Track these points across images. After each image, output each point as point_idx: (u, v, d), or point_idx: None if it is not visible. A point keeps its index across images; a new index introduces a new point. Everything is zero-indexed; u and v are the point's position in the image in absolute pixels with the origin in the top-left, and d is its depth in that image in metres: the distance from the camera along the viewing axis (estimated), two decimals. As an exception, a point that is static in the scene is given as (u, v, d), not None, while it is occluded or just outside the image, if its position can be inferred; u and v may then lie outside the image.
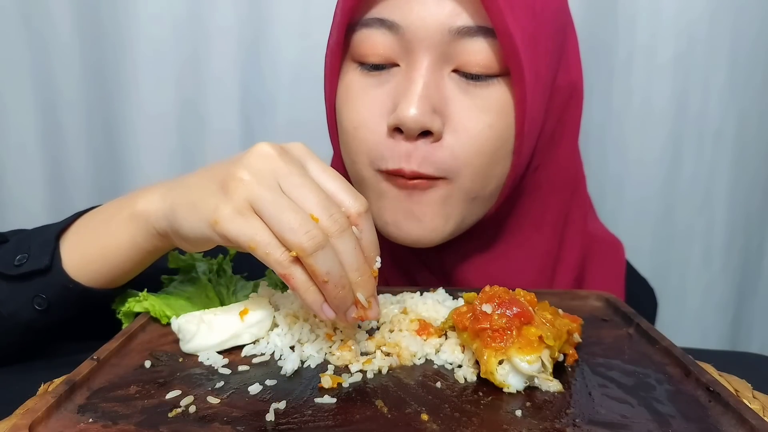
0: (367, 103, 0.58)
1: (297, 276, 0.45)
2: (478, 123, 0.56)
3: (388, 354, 0.48)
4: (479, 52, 0.54)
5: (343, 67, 0.61)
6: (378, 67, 0.58)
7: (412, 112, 0.53)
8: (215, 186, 0.46)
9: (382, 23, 0.56)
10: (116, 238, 0.53)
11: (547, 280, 0.68)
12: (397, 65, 0.57)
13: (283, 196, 0.44)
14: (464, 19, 0.54)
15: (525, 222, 0.66)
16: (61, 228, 0.56)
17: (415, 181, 0.57)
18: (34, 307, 0.54)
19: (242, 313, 0.51)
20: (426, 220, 0.58)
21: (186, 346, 0.49)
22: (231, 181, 0.45)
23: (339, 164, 0.66)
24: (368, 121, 0.58)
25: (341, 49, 0.60)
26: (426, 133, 0.56)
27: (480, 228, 0.64)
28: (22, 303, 0.54)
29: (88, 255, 0.54)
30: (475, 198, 0.59)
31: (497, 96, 0.56)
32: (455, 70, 0.56)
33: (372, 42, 0.57)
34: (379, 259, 0.49)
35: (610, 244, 0.76)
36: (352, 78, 0.59)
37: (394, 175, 0.57)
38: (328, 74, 0.62)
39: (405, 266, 0.69)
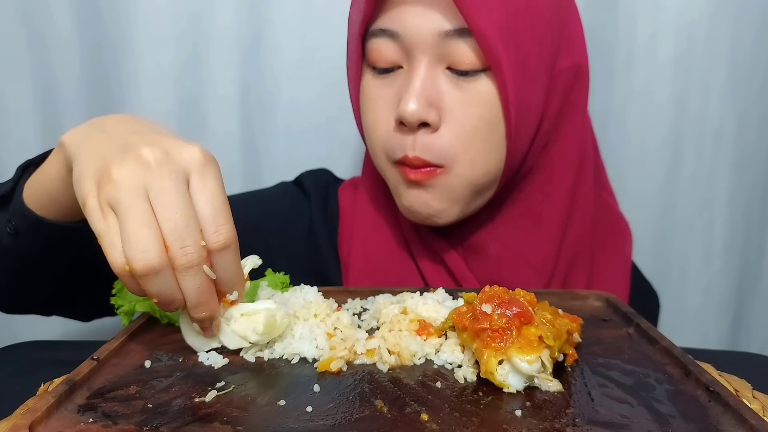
0: (380, 102, 0.66)
1: (128, 283, 0.44)
2: (468, 114, 0.62)
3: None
4: (464, 51, 0.60)
5: (363, 71, 0.68)
6: (387, 70, 0.65)
7: (410, 107, 0.60)
8: (99, 164, 0.45)
9: (385, 33, 0.63)
10: (48, 167, 0.56)
11: (556, 248, 0.72)
12: (402, 67, 0.64)
13: (141, 207, 0.42)
14: (449, 24, 0.60)
15: (538, 195, 0.71)
16: (32, 159, 0.60)
17: (422, 171, 0.63)
18: (7, 230, 0.58)
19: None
20: (434, 205, 0.65)
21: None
22: (104, 175, 0.44)
23: (369, 158, 0.74)
24: (381, 117, 0.65)
25: (360, 57, 0.67)
26: (425, 124, 0.62)
27: (496, 203, 0.71)
28: (1, 226, 0.59)
29: (33, 183, 0.57)
30: (478, 184, 0.65)
31: (484, 89, 0.62)
32: (448, 68, 0.62)
33: (379, 50, 0.64)
34: (235, 293, 0.48)
35: (616, 225, 0.81)
36: (368, 81, 0.67)
37: (403, 164, 0.64)
38: (351, 80, 0.70)
39: (429, 243, 0.72)
